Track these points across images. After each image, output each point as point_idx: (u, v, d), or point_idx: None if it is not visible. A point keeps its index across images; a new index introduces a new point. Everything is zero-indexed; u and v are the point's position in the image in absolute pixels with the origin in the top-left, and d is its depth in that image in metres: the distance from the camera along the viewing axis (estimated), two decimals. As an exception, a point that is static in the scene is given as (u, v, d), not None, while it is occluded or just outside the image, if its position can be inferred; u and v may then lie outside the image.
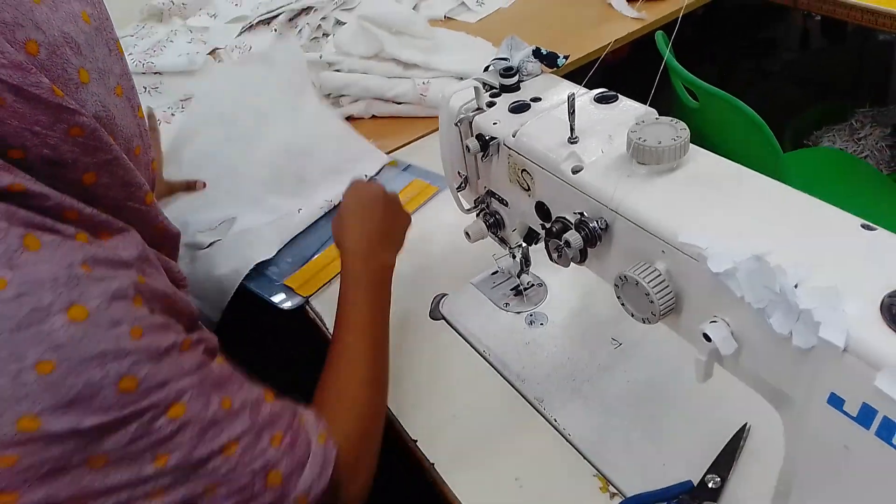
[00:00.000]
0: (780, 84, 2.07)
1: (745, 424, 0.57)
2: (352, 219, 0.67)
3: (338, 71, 1.11)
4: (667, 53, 0.81)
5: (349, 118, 1.14)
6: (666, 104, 1.21)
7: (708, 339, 0.40)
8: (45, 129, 0.39)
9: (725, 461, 0.54)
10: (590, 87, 0.56)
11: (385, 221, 0.68)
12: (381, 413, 0.58)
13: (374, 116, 1.13)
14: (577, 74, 1.12)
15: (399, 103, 1.10)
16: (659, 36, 0.99)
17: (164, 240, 0.51)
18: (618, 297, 0.46)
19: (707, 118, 0.98)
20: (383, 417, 0.58)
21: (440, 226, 0.88)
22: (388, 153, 1.04)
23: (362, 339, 0.59)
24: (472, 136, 0.57)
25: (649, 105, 0.51)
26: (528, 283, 0.75)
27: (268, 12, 1.40)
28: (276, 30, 1.38)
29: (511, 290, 0.75)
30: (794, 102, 1.83)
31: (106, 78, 0.44)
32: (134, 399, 0.38)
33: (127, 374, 0.38)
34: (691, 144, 0.46)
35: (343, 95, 1.13)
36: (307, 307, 0.81)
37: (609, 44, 0.56)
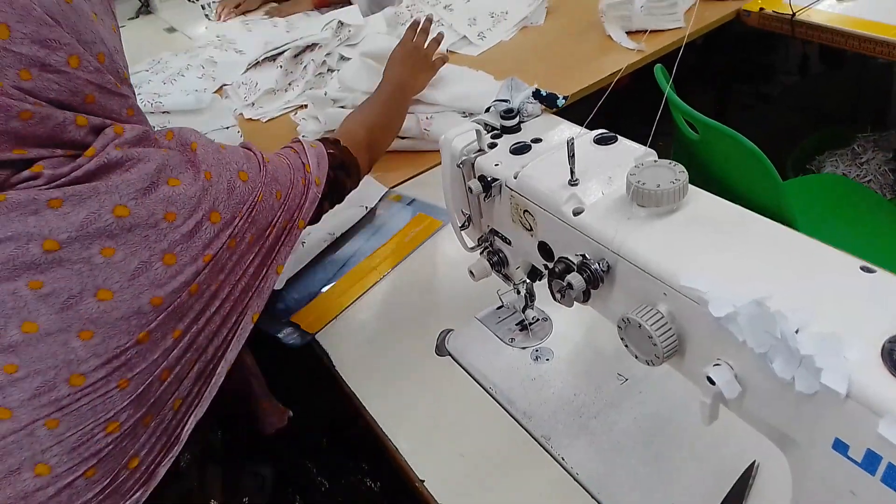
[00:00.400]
0: (780, 109, 2.08)
1: (754, 462, 0.56)
2: (396, 67, 1.01)
3: (342, 107, 1.12)
4: (667, 89, 0.82)
5: None
6: (667, 135, 1.23)
7: (712, 382, 0.40)
8: (116, 113, 0.54)
9: (734, 500, 0.54)
10: (590, 120, 0.56)
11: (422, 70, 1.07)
12: (388, 133, 0.93)
13: None
14: (577, 105, 1.14)
15: (402, 138, 1.11)
16: (658, 70, 1.00)
17: None
18: (621, 339, 0.46)
19: (708, 150, 0.99)
20: (389, 137, 0.94)
21: (445, 260, 0.89)
22: (391, 187, 1.05)
23: (379, 102, 0.93)
24: (474, 177, 0.58)
25: (647, 133, 0.52)
26: (533, 318, 0.75)
27: (273, 49, 1.43)
28: (281, 66, 1.40)
29: (516, 324, 0.76)
30: (795, 128, 1.84)
31: (127, 71, 0.59)
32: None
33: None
34: (690, 185, 0.46)
35: None
36: (314, 344, 0.81)
37: (609, 85, 0.57)
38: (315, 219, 0.72)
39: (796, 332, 0.35)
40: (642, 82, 1.26)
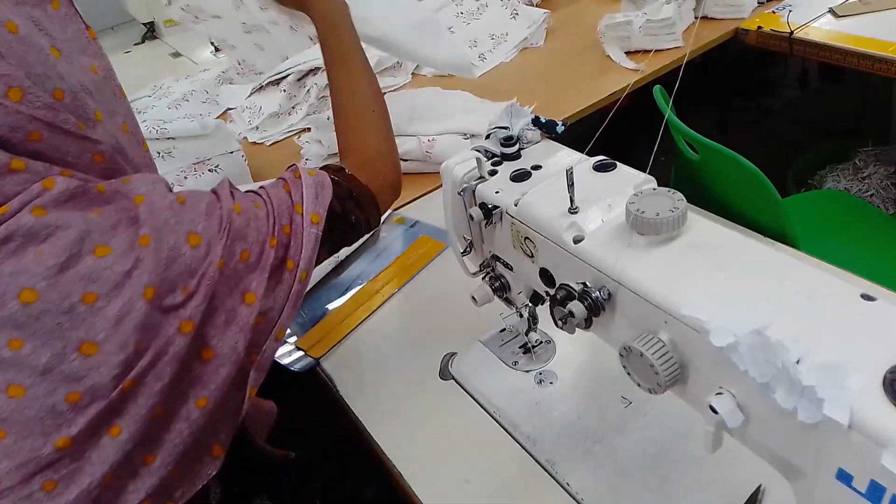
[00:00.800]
0: (781, 124, 2.09)
1: (760, 486, 0.56)
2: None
3: None
4: (668, 112, 0.83)
5: None
6: (669, 153, 1.23)
7: (714, 411, 0.40)
8: (74, 158, 0.48)
9: (741, 526, 0.54)
10: (590, 138, 0.57)
11: None
12: (386, 118, 0.75)
13: None
14: (577, 127, 1.15)
15: (405, 160, 1.12)
16: (657, 91, 1.01)
17: None
18: (623, 367, 0.46)
19: (708, 170, 0.99)
20: (390, 137, 0.75)
21: (448, 283, 0.89)
22: (394, 210, 1.06)
23: (359, 79, 0.76)
24: (475, 204, 0.59)
25: (652, 159, 0.52)
26: (536, 341, 0.75)
27: (276, 73, 1.45)
28: (285, 90, 1.42)
29: (519, 347, 0.76)
30: (796, 142, 1.85)
31: (115, 117, 0.54)
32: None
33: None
34: (689, 212, 0.47)
35: None
36: (318, 369, 0.81)
37: (611, 110, 0.58)
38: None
39: (797, 361, 0.35)
40: (641, 102, 1.27)
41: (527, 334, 0.74)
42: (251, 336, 0.52)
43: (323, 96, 1.41)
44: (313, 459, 0.79)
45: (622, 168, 0.55)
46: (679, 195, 0.46)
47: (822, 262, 0.75)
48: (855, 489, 0.34)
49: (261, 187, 0.59)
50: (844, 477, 0.35)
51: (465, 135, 1.12)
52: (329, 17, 0.77)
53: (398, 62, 1.50)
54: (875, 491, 0.33)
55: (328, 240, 0.60)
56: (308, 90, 1.41)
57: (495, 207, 0.57)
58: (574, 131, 0.74)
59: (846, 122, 1.90)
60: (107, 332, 0.45)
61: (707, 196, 1.04)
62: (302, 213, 0.57)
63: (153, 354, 0.47)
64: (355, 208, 0.64)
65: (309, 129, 1.32)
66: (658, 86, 1.03)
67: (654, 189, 0.47)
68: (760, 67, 2.13)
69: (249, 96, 1.46)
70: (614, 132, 0.63)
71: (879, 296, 0.39)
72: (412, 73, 1.51)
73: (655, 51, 1.33)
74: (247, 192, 0.57)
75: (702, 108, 2.12)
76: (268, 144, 1.36)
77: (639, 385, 0.45)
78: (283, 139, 1.37)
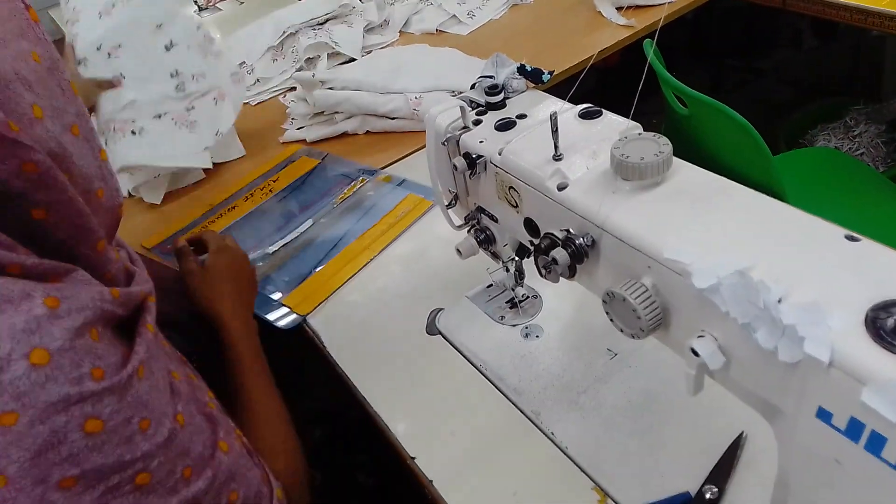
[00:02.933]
0: (773, 84, 2.07)
1: (742, 433, 0.57)
2: (225, 286, 0.72)
3: (331, 89, 1.11)
4: (648, 64, 0.81)
5: (344, 135, 1.15)
6: (659, 116, 1.22)
7: (696, 353, 0.40)
8: None
9: (723, 471, 0.54)
10: (581, 96, 0.56)
11: (250, 283, 0.78)
12: (294, 441, 0.63)
13: (368, 132, 1.14)
14: (566, 84, 1.13)
15: (392, 118, 1.11)
16: (646, 44, 0.99)
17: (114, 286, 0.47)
18: (607, 313, 0.46)
19: (697, 124, 0.98)
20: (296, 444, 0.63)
21: (435, 240, 0.88)
22: (382, 168, 1.05)
23: (268, 396, 0.65)
24: (459, 154, 0.58)
25: (641, 115, 0.51)
26: (522, 296, 0.75)
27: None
28: (271, 48, 1.39)
29: (506, 302, 0.75)
30: (789, 102, 1.83)
31: (61, 116, 0.44)
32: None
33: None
34: (675, 158, 0.46)
35: (337, 112, 1.14)
36: (305, 325, 0.81)
37: (592, 56, 0.56)
38: None
39: (779, 301, 0.35)
40: (633, 57, 1.25)
41: (513, 289, 0.74)
42: None
43: (308, 58, 1.38)
44: (306, 421, 0.79)
45: (608, 115, 0.54)
46: (664, 139, 0.45)
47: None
48: (834, 427, 0.34)
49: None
50: (824, 415, 0.35)
51: (454, 92, 1.10)
52: (235, 332, 0.68)
53: (385, 20, 1.47)
54: (854, 428, 0.33)
55: None
56: (294, 49, 1.38)
57: (479, 157, 0.56)
58: (564, 88, 0.72)
59: (838, 81, 1.89)
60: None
61: (697, 152, 1.03)
62: None
63: None
64: None
65: (295, 88, 1.29)
66: (648, 39, 1.01)
67: (640, 134, 0.46)
68: (753, 27, 2.10)
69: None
70: (605, 87, 0.61)
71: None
72: (400, 31, 1.48)
73: (647, 6, 1.30)
74: None
75: (695, 69, 2.09)
76: (253, 104, 1.33)
77: (622, 331, 0.45)
78: (269, 99, 1.34)
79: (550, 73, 0.61)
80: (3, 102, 0.39)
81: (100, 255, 0.46)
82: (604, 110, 0.54)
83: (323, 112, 1.15)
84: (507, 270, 0.72)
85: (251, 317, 0.73)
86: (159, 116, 1.02)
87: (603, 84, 1.72)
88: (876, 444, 0.32)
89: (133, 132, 1.01)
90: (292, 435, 0.63)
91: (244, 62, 1.40)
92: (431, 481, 0.60)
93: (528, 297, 0.75)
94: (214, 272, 0.74)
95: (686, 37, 2.07)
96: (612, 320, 0.46)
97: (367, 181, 1.02)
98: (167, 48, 1.03)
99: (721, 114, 0.86)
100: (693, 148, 1.04)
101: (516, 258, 0.69)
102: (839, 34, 1.91)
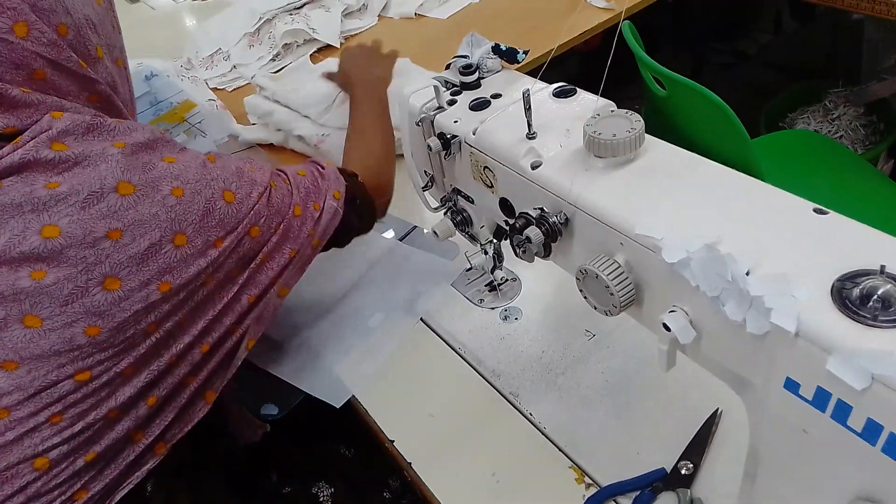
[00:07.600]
0: (755, 67, 2.08)
1: (717, 409, 0.57)
2: (354, 67, 0.91)
3: (266, 98, 1.09)
4: (615, 43, 0.81)
5: (270, 145, 1.09)
6: (640, 100, 1.22)
7: (667, 328, 0.40)
8: (73, 97, 0.48)
9: (698, 447, 0.55)
10: (564, 80, 0.55)
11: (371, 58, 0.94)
12: (391, 156, 0.78)
13: (292, 150, 1.07)
14: (549, 69, 1.12)
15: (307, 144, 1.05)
16: (626, 26, 0.99)
17: None
18: (580, 291, 0.46)
19: (676, 106, 0.98)
20: (393, 160, 0.78)
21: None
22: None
23: (373, 125, 0.79)
24: (433, 135, 0.57)
25: (626, 99, 0.51)
26: (501, 279, 0.75)
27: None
28: (247, 34, 1.37)
29: (485, 286, 0.75)
30: (770, 85, 1.83)
31: (112, 51, 0.53)
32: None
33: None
34: (647, 135, 0.46)
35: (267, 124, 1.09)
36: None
37: (570, 39, 0.56)
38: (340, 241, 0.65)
39: (747, 273, 0.35)
40: (614, 40, 1.24)
41: (492, 272, 0.74)
42: (259, 292, 0.55)
43: (286, 43, 1.36)
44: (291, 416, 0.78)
45: (582, 94, 0.53)
46: (637, 116, 0.45)
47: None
48: (802, 397, 0.34)
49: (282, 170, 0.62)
50: (792, 385, 0.35)
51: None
52: (367, 87, 0.85)
53: (364, 3, 1.46)
54: (821, 397, 0.34)
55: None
56: (270, 34, 1.36)
57: (454, 137, 0.55)
58: (545, 75, 0.71)
59: (817, 64, 1.90)
60: (129, 270, 0.46)
61: (676, 134, 1.03)
62: (336, 198, 0.61)
63: (175, 296, 0.49)
64: (353, 213, 0.65)
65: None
66: (627, 21, 1.01)
67: (613, 111, 0.46)
68: (735, 11, 2.10)
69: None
70: (587, 70, 0.61)
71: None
72: (378, 16, 1.46)
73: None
74: (277, 170, 0.60)
75: (677, 53, 2.09)
76: (230, 91, 1.31)
77: (595, 308, 0.45)
78: (246, 85, 1.32)
79: (525, 52, 0.60)
80: (76, 46, 0.48)
81: None
82: (578, 89, 0.54)
83: (260, 117, 1.10)
84: (486, 253, 0.71)
85: (380, 79, 0.87)
86: None
87: (588, 68, 1.72)
88: (842, 412, 0.33)
89: None
90: (374, 163, 0.75)
91: (220, 49, 1.38)
92: (410, 463, 0.60)
93: (506, 279, 0.75)
94: (344, 63, 0.95)
95: (668, 21, 2.07)
96: (585, 298, 0.46)
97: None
98: None
99: (698, 95, 0.87)
100: (672, 130, 1.04)
101: (494, 241, 0.69)
102: (818, 17, 1.92)
